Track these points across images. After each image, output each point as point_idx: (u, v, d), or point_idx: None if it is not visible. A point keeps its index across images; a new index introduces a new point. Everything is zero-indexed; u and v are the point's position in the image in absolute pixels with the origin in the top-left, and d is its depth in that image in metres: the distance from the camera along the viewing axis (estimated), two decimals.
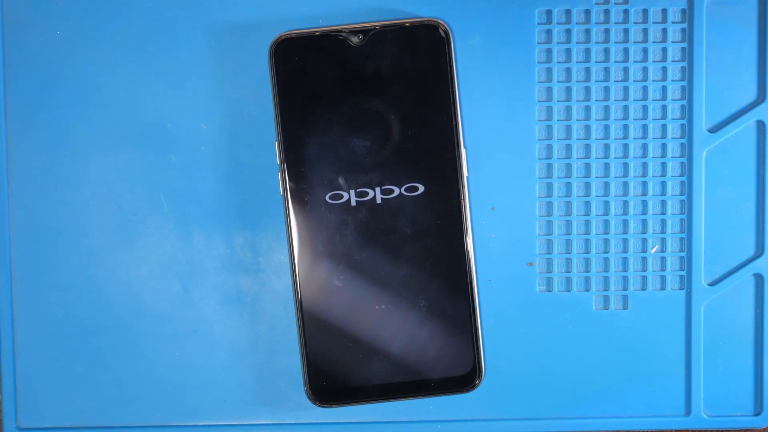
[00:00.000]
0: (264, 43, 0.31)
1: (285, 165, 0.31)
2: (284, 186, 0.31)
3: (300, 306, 0.31)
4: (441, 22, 0.30)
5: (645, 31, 0.32)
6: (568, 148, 0.32)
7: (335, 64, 0.30)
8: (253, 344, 0.33)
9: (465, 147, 0.31)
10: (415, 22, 0.30)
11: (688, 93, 0.32)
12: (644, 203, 0.33)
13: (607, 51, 0.32)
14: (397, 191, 0.31)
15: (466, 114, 0.32)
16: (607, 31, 0.32)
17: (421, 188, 0.31)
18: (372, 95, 0.30)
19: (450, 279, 0.31)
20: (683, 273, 0.33)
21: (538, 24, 0.32)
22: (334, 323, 0.31)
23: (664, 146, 0.32)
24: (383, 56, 0.30)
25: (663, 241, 0.33)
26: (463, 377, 0.31)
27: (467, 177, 0.31)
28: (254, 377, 0.33)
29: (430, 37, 0.30)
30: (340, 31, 0.30)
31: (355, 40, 0.30)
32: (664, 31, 0.32)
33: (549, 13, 0.32)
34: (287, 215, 0.31)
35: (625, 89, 0.32)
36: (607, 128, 0.32)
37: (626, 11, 0.32)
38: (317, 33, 0.30)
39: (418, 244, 0.31)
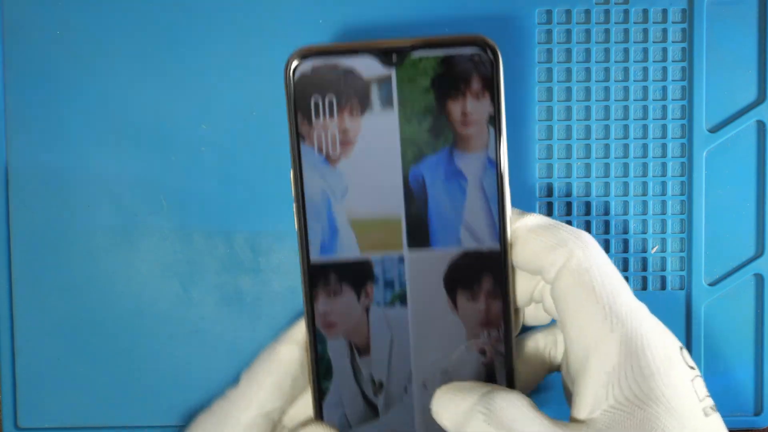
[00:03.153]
0: (264, 43, 0.31)
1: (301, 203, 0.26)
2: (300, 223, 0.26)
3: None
4: (488, 40, 0.25)
5: (645, 31, 0.32)
6: (569, 148, 0.32)
7: (362, 89, 0.25)
8: (253, 344, 0.33)
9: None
10: (456, 40, 0.25)
11: (688, 93, 0.32)
12: (644, 203, 0.33)
13: (607, 51, 0.32)
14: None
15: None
16: (607, 31, 0.32)
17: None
18: (406, 125, 0.26)
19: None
20: (683, 273, 0.33)
21: (539, 24, 0.32)
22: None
23: (664, 146, 0.32)
24: (420, 80, 0.25)
25: (663, 241, 0.33)
26: None
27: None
28: None
29: (473, 58, 0.25)
30: (371, 46, 0.25)
31: (385, 60, 0.25)
32: (665, 31, 0.32)
33: (549, 13, 0.32)
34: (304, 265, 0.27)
35: (626, 89, 0.32)
36: (607, 128, 0.32)
37: (626, 11, 0.32)
38: (340, 49, 0.25)
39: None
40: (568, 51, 0.32)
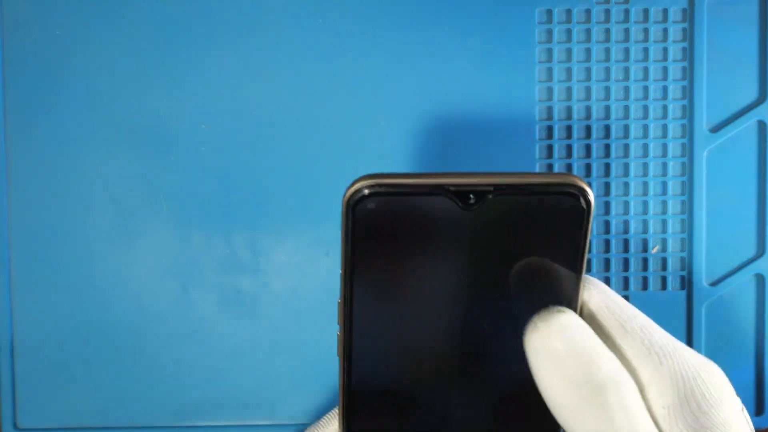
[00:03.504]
0: (264, 43, 0.31)
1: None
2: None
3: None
4: (581, 183, 0.22)
5: (646, 30, 0.32)
6: (569, 147, 0.32)
7: (432, 231, 0.22)
8: (253, 345, 0.33)
9: None
10: (545, 184, 0.21)
11: (689, 93, 0.32)
12: (645, 203, 0.33)
13: (607, 50, 0.32)
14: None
15: (465, 113, 0.32)
16: (607, 31, 0.32)
17: None
18: (474, 275, 0.22)
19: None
20: (684, 273, 0.33)
21: (539, 23, 0.32)
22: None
23: (665, 146, 0.32)
24: (500, 226, 0.22)
25: (664, 241, 0.33)
26: None
27: None
28: (254, 378, 0.33)
29: (564, 205, 0.22)
30: (444, 187, 0.21)
31: (463, 202, 0.22)
32: (665, 30, 0.32)
33: (549, 12, 0.32)
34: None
35: (626, 89, 0.32)
36: (607, 128, 0.32)
37: (627, 11, 0.32)
38: (410, 186, 0.21)
39: None
40: (569, 50, 0.32)
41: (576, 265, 0.22)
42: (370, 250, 0.22)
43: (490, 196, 0.21)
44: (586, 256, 0.22)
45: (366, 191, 0.21)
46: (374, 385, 0.23)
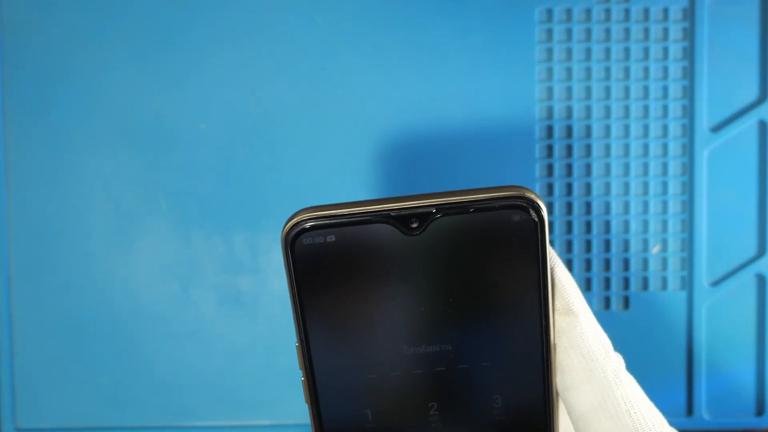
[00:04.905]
0: (263, 43, 0.31)
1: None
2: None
3: None
4: (530, 195, 0.21)
5: (646, 30, 0.32)
6: (569, 147, 0.32)
7: (377, 260, 0.21)
8: (252, 345, 0.33)
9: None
10: (491, 200, 0.20)
11: (689, 92, 0.32)
12: (645, 203, 0.32)
13: (608, 50, 0.32)
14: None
15: (466, 113, 0.32)
16: (608, 30, 0.32)
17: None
18: (429, 301, 0.21)
19: None
20: (685, 273, 0.33)
21: (539, 23, 0.32)
22: None
23: (665, 146, 0.32)
24: (449, 248, 0.21)
25: (664, 241, 0.33)
26: None
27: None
28: (253, 378, 0.33)
29: (515, 219, 0.21)
30: (384, 214, 0.20)
31: (406, 227, 0.21)
32: (666, 30, 0.32)
33: (549, 12, 0.32)
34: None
35: (626, 88, 0.32)
36: (608, 128, 0.32)
37: (627, 10, 0.32)
38: (347, 216, 0.20)
39: None
40: (569, 50, 0.32)
41: (538, 281, 0.21)
42: (318, 287, 0.21)
43: (435, 219, 0.20)
44: (548, 271, 0.21)
45: (304, 225, 0.20)
46: (348, 424, 0.22)
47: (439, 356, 0.22)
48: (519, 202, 0.20)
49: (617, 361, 0.22)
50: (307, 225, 0.20)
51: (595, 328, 0.22)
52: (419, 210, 0.20)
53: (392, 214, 0.20)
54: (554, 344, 0.22)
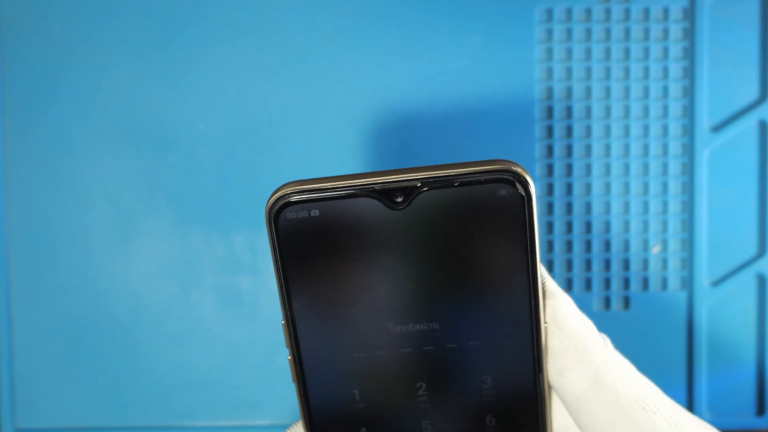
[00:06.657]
0: (263, 43, 0.31)
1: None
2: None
3: None
4: (516, 168, 0.20)
5: (646, 29, 0.32)
6: (569, 147, 0.32)
7: (362, 235, 0.20)
8: (252, 345, 0.33)
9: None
10: (477, 173, 0.20)
11: (689, 92, 0.32)
12: (646, 203, 0.32)
13: (608, 50, 0.32)
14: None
15: (466, 113, 0.32)
16: (608, 30, 0.32)
17: None
18: (415, 278, 0.21)
19: None
20: (685, 273, 0.33)
21: (539, 22, 0.32)
22: None
23: (665, 146, 0.32)
24: (434, 224, 0.20)
25: (665, 241, 0.33)
26: None
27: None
28: (252, 378, 0.33)
29: (502, 194, 0.20)
30: (368, 187, 0.20)
31: (391, 201, 0.20)
32: (666, 29, 0.32)
33: (550, 11, 0.32)
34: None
35: (627, 88, 0.32)
36: (608, 128, 0.32)
37: (627, 10, 0.32)
38: (331, 190, 0.20)
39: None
40: (569, 50, 0.32)
41: (526, 258, 0.20)
42: (303, 263, 0.20)
43: (420, 192, 0.20)
44: (537, 249, 0.20)
45: (287, 199, 0.20)
46: (335, 405, 0.22)
47: (426, 335, 0.21)
48: (505, 176, 0.20)
49: (604, 340, 0.22)
50: (292, 199, 0.20)
51: (576, 309, 0.22)
52: (404, 183, 0.20)
53: (377, 187, 0.20)
54: (545, 323, 0.21)
